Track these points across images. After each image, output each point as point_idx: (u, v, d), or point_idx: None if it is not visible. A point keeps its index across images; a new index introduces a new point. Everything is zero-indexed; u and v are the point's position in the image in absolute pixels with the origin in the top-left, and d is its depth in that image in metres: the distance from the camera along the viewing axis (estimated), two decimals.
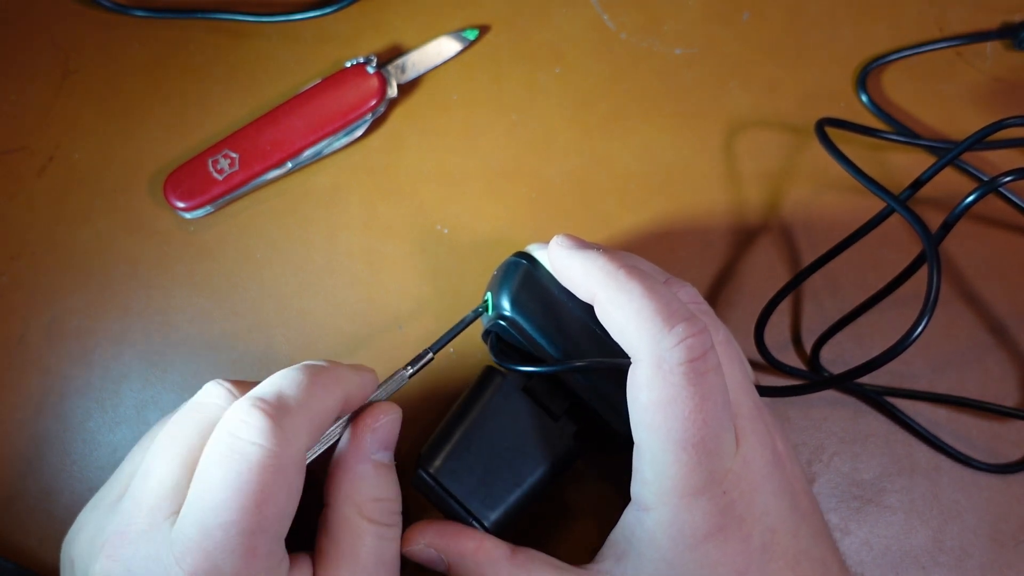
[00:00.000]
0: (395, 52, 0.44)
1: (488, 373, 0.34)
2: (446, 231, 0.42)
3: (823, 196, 0.42)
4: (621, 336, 0.29)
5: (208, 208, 0.41)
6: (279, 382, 0.28)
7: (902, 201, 0.34)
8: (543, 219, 0.42)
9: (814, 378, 0.39)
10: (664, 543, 0.28)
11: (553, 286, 0.32)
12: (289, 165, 0.42)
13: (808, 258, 0.40)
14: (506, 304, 0.33)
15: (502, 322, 0.33)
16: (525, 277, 0.33)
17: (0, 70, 0.44)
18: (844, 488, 0.39)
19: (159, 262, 0.41)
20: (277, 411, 0.26)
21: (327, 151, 0.42)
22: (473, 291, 0.41)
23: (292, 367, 0.29)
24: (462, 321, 0.33)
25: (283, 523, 0.27)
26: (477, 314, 0.34)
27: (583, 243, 0.32)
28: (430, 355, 0.33)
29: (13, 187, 0.42)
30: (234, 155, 0.41)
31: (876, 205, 0.37)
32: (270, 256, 0.41)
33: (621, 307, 0.28)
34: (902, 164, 0.43)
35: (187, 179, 0.41)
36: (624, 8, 0.45)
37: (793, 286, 0.37)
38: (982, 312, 0.41)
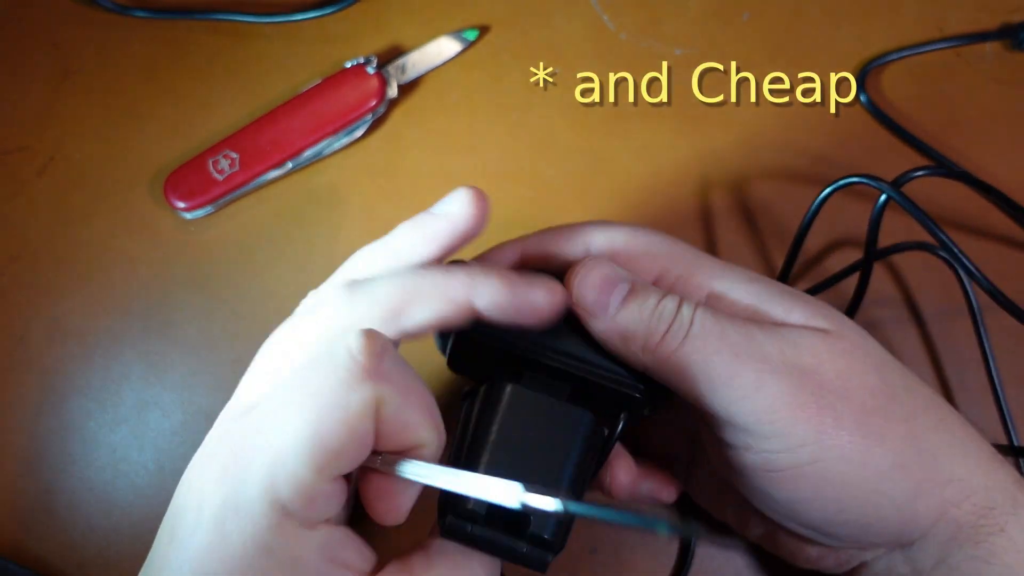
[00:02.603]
0: (395, 52, 0.44)
1: (480, 390, 0.28)
2: None
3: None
4: None
5: (208, 208, 0.41)
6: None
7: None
8: (543, 219, 0.42)
9: None
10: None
11: None
12: (289, 165, 0.42)
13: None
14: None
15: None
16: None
17: (0, 70, 0.44)
18: None
19: (159, 262, 0.41)
20: None
21: (327, 151, 0.42)
22: None
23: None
24: None
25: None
26: None
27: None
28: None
29: (13, 187, 0.42)
30: (234, 155, 0.41)
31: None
32: (270, 256, 0.41)
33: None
34: (904, 165, 0.43)
35: (187, 179, 0.41)
36: (624, 8, 0.45)
37: None
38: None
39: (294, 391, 0.24)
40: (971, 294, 0.38)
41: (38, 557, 0.37)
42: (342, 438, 0.23)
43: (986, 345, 0.38)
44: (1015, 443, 0.38)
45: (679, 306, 0.27)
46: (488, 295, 0.26)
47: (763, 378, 0.26)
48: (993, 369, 0.38)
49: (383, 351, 0.24)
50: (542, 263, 0.30)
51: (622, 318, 0.27)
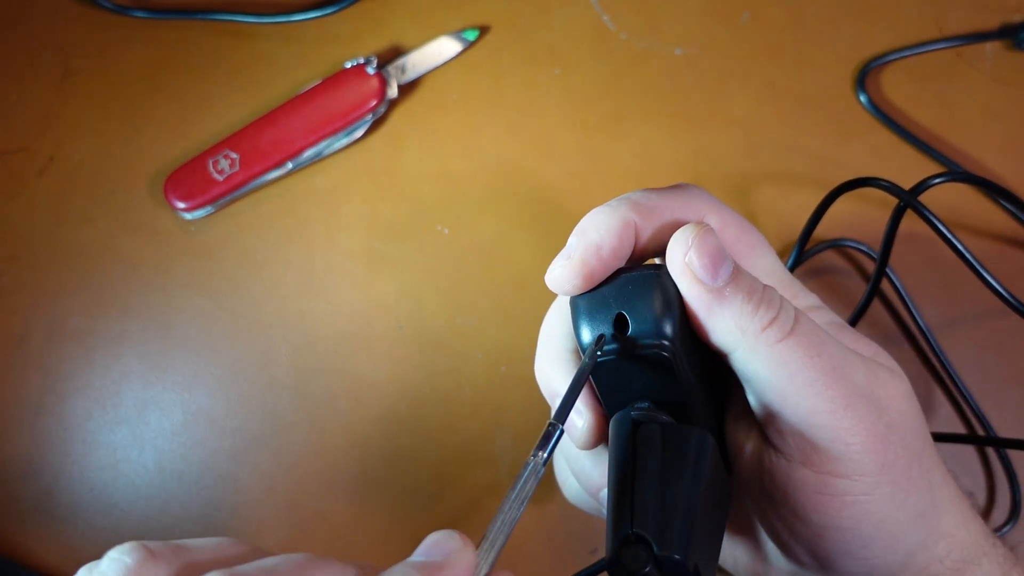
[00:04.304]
0: (395, 52, 0.44)
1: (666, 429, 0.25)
2: (446, 231, 0.42)
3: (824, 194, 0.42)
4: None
5: (208, 208, 0.41)
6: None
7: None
8: (543, 220, 0.42)
9: None
10: None
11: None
12: (290, 165, 0.42)
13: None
14: (669, 328, 0.25)
15: (664, 352, 0.25)
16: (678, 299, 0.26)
17: (0, 70, 0.44)
18: None
19: (159, 262, 0.41)
20: None
21: (327, 152, 0.42)
22: (473, 291, 0.41)
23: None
24: (582, 371, 0.25)
25: None
26: (596, 356, 0.26)
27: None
28: (559, 428, 0.24)
29: (14, 188, 0.42)
30: (234, 155, 0.41)
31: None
32: (270, 256, 0.41)
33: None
34: (904, 165, 0.43)
35: (187, 179, 0.41)
36: (624, 8, 0.45)
37: None
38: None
39: None
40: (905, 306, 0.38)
41: (38, 557, 0.37)
42: None
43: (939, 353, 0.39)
44: (992, 434, 0.39)
45: (782, 299, 0.26)
46: None
47: (854, 399, 0.25)
48: (950, 366, 0.40)
49: None
50: (657, 229, 0.28)
51: (731, 291, 0.25)
